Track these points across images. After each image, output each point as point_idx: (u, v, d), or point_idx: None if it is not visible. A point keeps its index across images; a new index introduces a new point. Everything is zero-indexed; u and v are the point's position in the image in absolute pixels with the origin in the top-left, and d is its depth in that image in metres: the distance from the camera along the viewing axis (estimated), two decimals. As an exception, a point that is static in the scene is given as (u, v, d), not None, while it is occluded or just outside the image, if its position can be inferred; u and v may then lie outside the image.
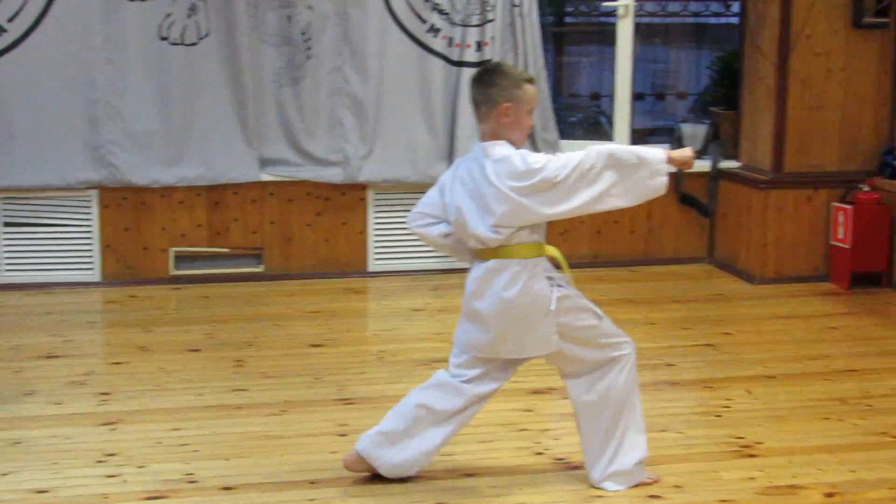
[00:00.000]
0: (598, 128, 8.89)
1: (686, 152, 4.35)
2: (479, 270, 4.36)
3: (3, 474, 4.59)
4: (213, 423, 5.14)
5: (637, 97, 8.58)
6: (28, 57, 7.43)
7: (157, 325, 6.80)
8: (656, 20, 9.10)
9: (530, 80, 4.30)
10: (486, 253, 4.33)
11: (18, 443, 4.93)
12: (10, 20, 7.38)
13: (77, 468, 4.66)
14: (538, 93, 4.27)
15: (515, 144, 4.27)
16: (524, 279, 4.28)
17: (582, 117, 9.06)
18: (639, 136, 8.58)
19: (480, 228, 4.27)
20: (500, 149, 4.25)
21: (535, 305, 4.29)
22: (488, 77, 4.29)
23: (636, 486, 4.47)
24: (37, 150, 7.48)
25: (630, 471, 4.47)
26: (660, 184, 4.25)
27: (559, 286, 4.34)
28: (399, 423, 4.47)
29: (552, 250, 4.41)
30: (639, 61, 8.55)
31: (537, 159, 4.19)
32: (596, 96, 8.97)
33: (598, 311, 4.44)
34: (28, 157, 7.47)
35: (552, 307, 4.29)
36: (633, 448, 4.46)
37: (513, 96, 4.22)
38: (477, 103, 4.30)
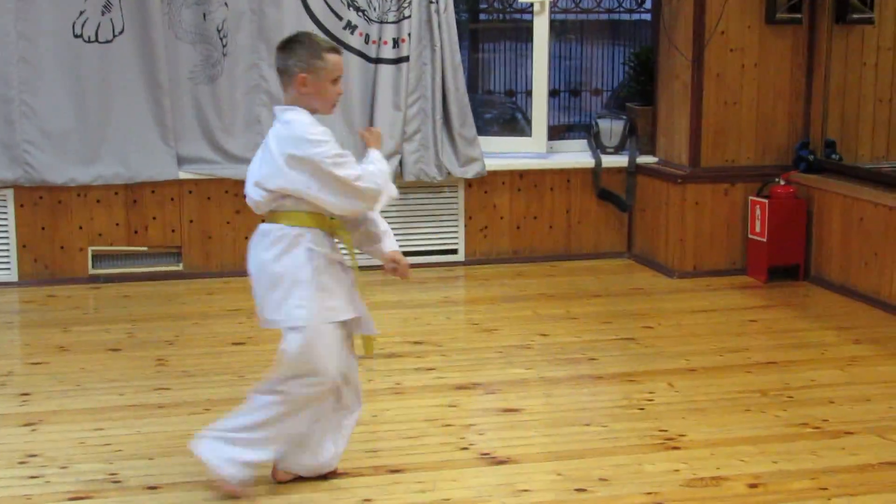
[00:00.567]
0: (513, 124, 8.94)
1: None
2: (254, 233, 4.43)
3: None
4: (136, 423, 5.10)
5: (552, 94, 8.63)
6: (-59, 55, 7.33)
7: (77, 325, 6.73)
8: (570, 16, 9.15)
9: (333, 50, 4.28)
10: (264, 217, 4.40)
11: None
12: (-78, 17, 7.28)
13: (-1, 470, 4.62)
14: (340, 62, 4.24)
15: (318, 112, 4.29)
16: (282, 246, 4.30)
17: (497, 114, 9.08)
18: (555, 133, 8.64)
19: (249, 186, 4.36)
20: (291, 114, 4.27)
21: (287, 274, 4.29)
22: (289, 46, 4.29)
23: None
24: (-50, 150, 7.40)
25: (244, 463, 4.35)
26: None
27: (324, 262, 4.31)
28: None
29: (335, 227, 4.39)
30: (553, 58, 8.60)
31: (318, 135, 4.20)
32: (511, 93, 9.01)
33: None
34: (-59, 156, 7.38)
35: (304, 278, 4.27)
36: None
37: (312, 66, 4.21)
38: (279, 72, 4.31)
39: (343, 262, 4.39)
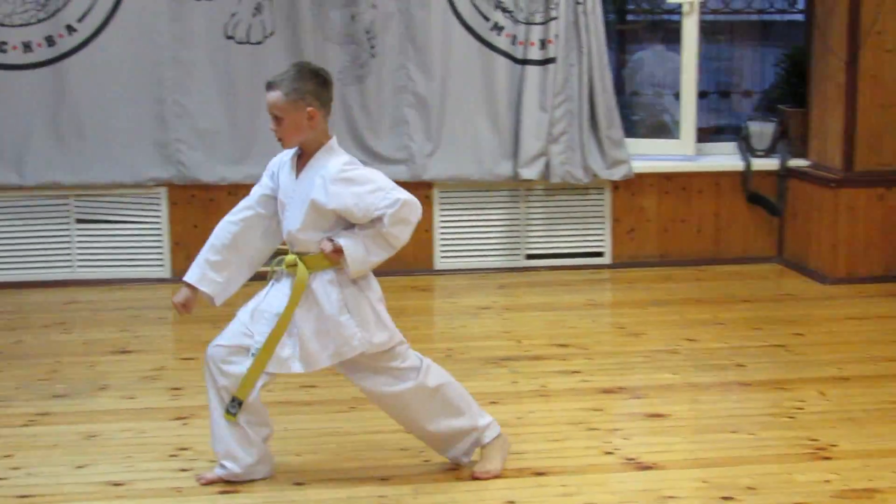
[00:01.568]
0: (662, 126, 8.84)
1: None
2: None
3: (79, 467, 4.64)
4: (284, 419, 5.14)
5: (701, 95, 8.52)
6: (97, 56, 7.51)
7: (226, 321, 6.80)
8: (720, 17, 9.03)
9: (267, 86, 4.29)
10: None
11: (93, 436, 4.98)
12: (80, 20, 7.46)
13: (151, 462, 4.69)
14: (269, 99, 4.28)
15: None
16: None
17: (646, 115, 9.00)
18: (704, 135, 8.52)
19: None
20: None
21: None
22: None
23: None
24: (107, 148, 7.56)
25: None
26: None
27: None
28: None
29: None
30: (703, 59, 8.49)
31: None
32: (659, 94, 8.92)
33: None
34: (99, 154, 7.55)
35: None
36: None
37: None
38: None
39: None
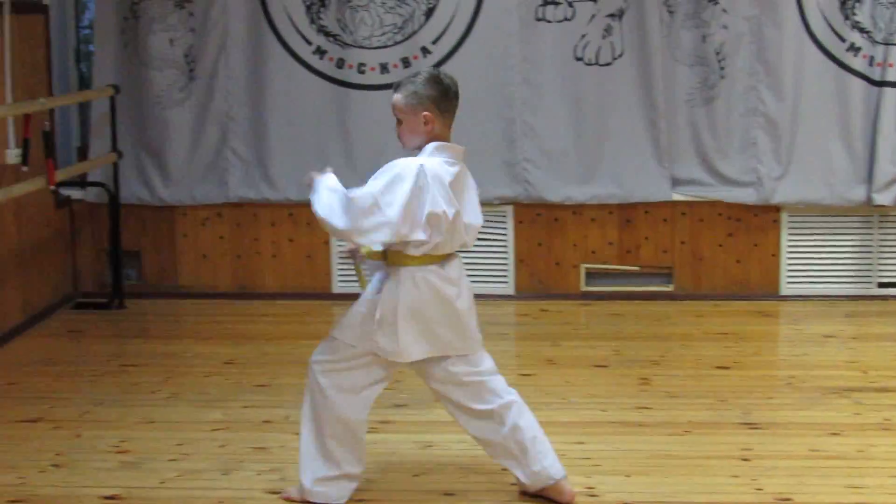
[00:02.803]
0: None
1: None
2: (459, 268, 4.50)
3: (415, 475, 4.82)
4: (616, 440, 5.17)
5: None
6: (450, 77, 7.72)
7: (566, 340, 6.92)
8: None
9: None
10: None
11: (430, 446, 5.14)
12: (435, 42, 7.72)
13: (484, 474, 4.79)
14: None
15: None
16: None
17: None
18: None
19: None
20: None
21: None
22: None
23: None
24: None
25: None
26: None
27: None
28: None
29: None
30: None
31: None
32: None
33: None
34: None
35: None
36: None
37: None
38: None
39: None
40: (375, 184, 4.21)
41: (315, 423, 4.44)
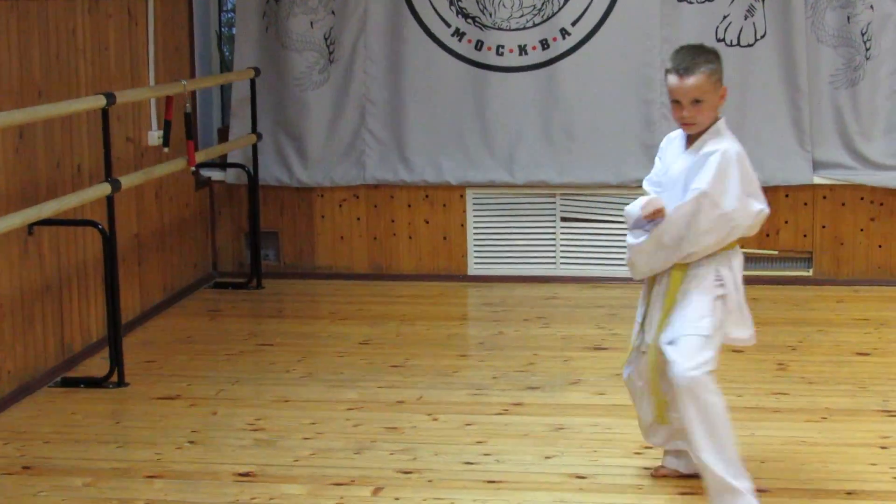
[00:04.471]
0: None
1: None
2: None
3: (546, 457, 4.80)
4: (751, 425, 5.09)
5: None
6: (588, 59, 7.70)
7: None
8: None
9: (673, 71, 4.19)
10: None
11: (562, 428, 5.13)
12: (574, 24, 7.69)
13: (615, 458, 4.79)
14: (682, 85, 4.17)
15: None
16: None
17: None
18: None
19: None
20: None
21: None
22: None
23: None
24: (594, 149, 7.74)
25: None
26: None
27: None
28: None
29: None
30: None
31: None
32: None
33: None
34: (586, 155, 7.75)
35: None
36: None
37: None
38: None
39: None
40: (734, 184, 4.19)
41: (718, 443, 4.14)
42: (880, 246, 7.67)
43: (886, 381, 5.71)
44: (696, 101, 4.14)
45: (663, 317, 4.24)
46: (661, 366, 4.24)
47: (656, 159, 4.50)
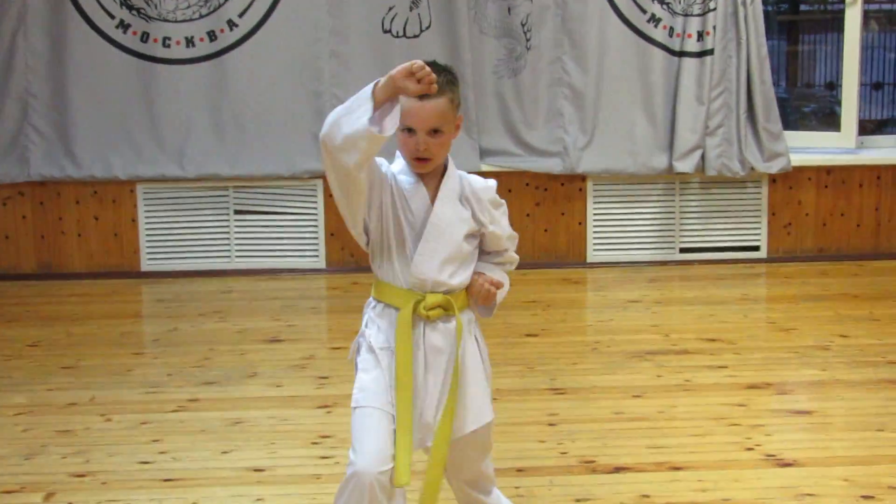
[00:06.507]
0: (832, 118, 8.65)
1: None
2: None
3: (224, 452, 4.76)
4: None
5: (875, 87, 8.32)
6: (257, 50, 7.67)
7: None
8: (885, 6, 8.81)
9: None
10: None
11: (239, 422, 5.10)
12: (241, 15, 7.64)
13: (292, 448, 4.80)
14: (415, 110, 3.31)
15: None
16: None
17: (816, 108, 8.82)
18: (874, 128, 8.31)
19: None
20: None
21: None
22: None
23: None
24: (265, 141, 7.72)
25: None
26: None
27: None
28: None
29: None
30: (878, 49, 8.28)
31: None
32: (831, 86, 8.72)
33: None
34: (257, 147, 7.72)
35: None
36: None
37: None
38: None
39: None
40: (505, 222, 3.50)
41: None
42: (546, 230, 7.96)
43: (553, 361, 5.92)
44: (436, 132, 3.32)
45: None
46: None
47: (381, 167, 3.42)
